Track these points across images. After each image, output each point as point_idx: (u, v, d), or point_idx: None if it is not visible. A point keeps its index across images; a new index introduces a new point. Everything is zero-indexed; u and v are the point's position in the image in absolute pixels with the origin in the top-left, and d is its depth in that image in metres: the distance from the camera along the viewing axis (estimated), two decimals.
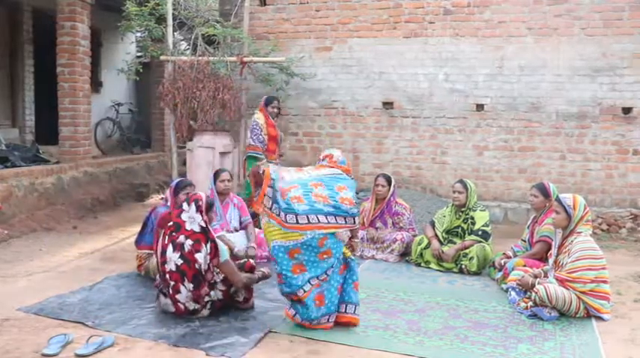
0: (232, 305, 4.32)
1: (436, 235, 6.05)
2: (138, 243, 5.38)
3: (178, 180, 5.60)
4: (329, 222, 3.92)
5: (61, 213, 7.58)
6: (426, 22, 8.53)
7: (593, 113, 8.05)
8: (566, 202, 4.64)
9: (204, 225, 4.19)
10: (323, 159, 4.39)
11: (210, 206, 4.35)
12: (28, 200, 7.16)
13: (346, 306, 4.09)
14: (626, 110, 7.94)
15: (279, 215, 3.91)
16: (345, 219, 3.98)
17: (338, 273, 4.05)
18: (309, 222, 3.88)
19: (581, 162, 8.11)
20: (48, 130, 9.42)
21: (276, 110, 7.43)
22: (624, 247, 6.98)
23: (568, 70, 8.09)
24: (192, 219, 4.19)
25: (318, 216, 3.90)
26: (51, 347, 3.49)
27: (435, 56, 8.54)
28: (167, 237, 4.25)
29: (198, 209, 4.22)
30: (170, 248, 4.17)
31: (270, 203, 3.96)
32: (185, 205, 4.25)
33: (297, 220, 3.87)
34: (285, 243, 3.90)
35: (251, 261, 4.57)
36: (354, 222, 4.05)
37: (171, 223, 4.32)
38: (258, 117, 7.27)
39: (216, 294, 4.22)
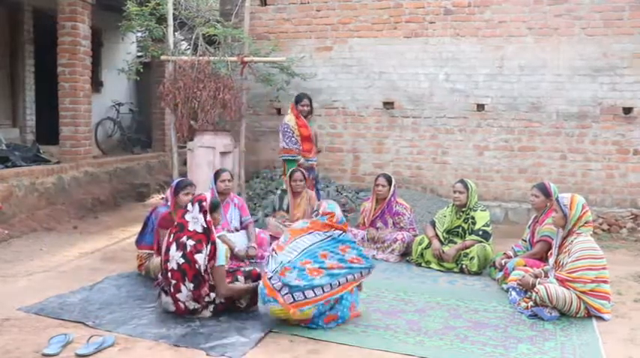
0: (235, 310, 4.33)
1: (437, 235, 6.05)
2: (138, 242, 5.39)
3: (179, 180, 5.60)
4: (331, 290, 3.99)
5: (61, 212, 7.58)
6: (426, 22, 8.53)
7: (593, 113, 8.05)
8: (563, 202, 4.65)
9: (206, 225, 4.20)
10: (322, 216, 4.27)
11: (215, 206, 4.35)
12: (28, 200, 7.16)
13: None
14: (627, 110, 7.94)
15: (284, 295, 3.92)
16: (361, 272, 4.19)
17: (350, 293, 4.15)
18: (305, 298, 3.91)
19: (581, 162, 8.11)
20: (48, 130, 9.43)
21: (306, 108, 7.34)
22: (625, 247, 6.98)
23: (568, 69, 8.08)
24: (195, 220, 4.20)
25: (315, 289, 3.93)
26: (51, 347, 3.49)
27: (436, 56, 8.54)
28: (172, 235, 4.26)
29: (202, 210, 4.23)
30: (174, 246, 4.18)
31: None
32: (190, 206, 4.27)
33: (304, 296, 3.91)
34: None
35: (257, 269, 4.55)
36: (369, 272, 4.26)
37: (176, 222, 4.34)
38: (289, 119, 7.22)
39: (219, 298, 4.23)
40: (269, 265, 4.07)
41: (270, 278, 3.95)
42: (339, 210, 4.36)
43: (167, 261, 4.18)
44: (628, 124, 7.96)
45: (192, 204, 4.26)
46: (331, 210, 4.29)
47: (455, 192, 6.01)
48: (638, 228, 7.58)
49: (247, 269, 4.54)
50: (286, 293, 3.89)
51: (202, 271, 4.10)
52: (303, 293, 3.88)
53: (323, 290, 3.93)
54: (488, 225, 5.92)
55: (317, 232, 4.17)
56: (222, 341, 3.74)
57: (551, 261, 4.76)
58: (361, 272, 4.18)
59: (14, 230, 6.64)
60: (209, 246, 4.16)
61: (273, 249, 4.17)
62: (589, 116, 8.06)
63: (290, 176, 6.67)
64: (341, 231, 4.24)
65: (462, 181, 6.07)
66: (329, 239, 4.16)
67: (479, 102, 8.42)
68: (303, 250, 4.05)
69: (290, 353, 3.62)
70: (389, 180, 6.46)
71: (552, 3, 8.06)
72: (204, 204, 4.26)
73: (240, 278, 4.37)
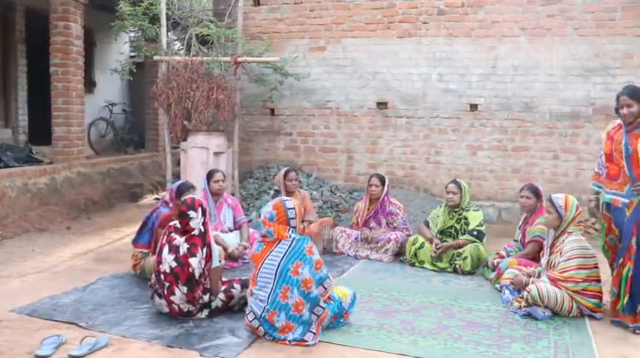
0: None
1: (432, 236, 6.03)
2: (136, 241, 5.35)
3: (180, 183, 5.55)
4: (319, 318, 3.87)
5: (54, 213, 7.55)
6: (419, 22, 8.54)
7: (586, 113, 8.07)
8: (558, 203, 4.66)
9: (203, 229, 4.20)
10: (266, 230, 3.97)
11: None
12: (21, 200, 7.13)
13: None
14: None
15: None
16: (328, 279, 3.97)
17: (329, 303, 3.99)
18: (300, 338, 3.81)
19: (574, 161, 8.14)
20: (41, 130, 9.39)
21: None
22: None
23: (561, 70, 8.11)
24: (198, 224, 4.20)
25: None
26: (44, 348, 3.48)
27: (429, 56, 8.55)
28: (165, 236, 4.25)
29: (203, 213, 4.26)
30: (166, 248, 4.17)
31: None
32: (192, 212, 4.24)
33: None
34: None
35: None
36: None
37: (172, 224, 4.33)
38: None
39: (217, 303, 4.22)
40: (252, 308, 3.87)
41: (258, 327, 3.81)
42: (268, 207, 4.06)
43: (160, 262, 4.18)
44: None
45: (195, 210, 4.24)
46: (264, 213, 4.03)
47: (448, 192, 6.01)
48: None
49: (244, 278, 4.51)
50: (282, 340, 3.79)
51: (197, 275, 4.08)
52: (295, 333, 3.80)
53: (313, 323, 3.82)
54: (481, 225, 5.93)
55: (275, 250, 3.88)
56: (216, 342, 3.74)
57: (543, 261, 4.78)
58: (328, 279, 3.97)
59: (7, 231, 6.61)
60: (205, 249, 4.15)
61: (250, 291, 4.00)
62: (582, 116, 8.09)
63: (285, 175, 6.64)
64: (293, 238, 3.91)
65: (454, 181, 6.08)
66: (291, 249, 3.85)
67: (472, 102, 8.44)
68: (275, 275, 3.80)
69: (283, 353, 3.62)
70: (382, 180, 6.47)
71: (545, 3, 8.09)
72: (204, 207, 4.30)
73: (237, 286, 4.35)
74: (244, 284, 4.32)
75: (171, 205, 5.33)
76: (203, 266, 4.12)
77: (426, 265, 5.93)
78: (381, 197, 6.43)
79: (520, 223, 5.67)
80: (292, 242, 3.88)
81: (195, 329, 3.95)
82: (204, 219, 4.25)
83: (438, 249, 5.84)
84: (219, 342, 3.74)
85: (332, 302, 3.98)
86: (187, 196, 4.47)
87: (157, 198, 9.61)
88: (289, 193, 6.59)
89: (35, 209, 7.35)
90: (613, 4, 7.87)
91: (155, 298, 4.24)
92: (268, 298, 3.80)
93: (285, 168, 6.84)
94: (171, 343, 3.71)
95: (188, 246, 4.12)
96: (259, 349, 3.69)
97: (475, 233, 5.86)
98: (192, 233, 4.18)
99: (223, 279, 4.43)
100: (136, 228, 5.53)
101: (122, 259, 5.82)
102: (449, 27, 8.44)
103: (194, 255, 4.09)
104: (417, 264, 6.00)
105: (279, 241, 3.89)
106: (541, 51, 8.15)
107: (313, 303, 3.83)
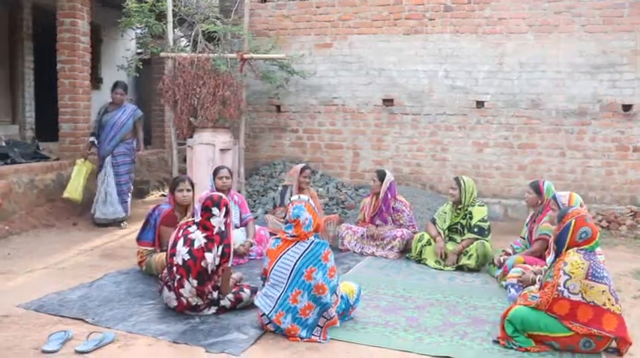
0: None
1: (439, 233, 6.01)
2: (139, 238, 5.35)
3: (174, 176, 5.58)
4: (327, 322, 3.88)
5: (60, 209, 7.57)
6: (426, 19, 8.52)
7: (593, 110, 8.05)
8: (561, 200, 4.65)
9: (224, 228, 4.20)
10: (288, 226, 3.98)
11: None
12: (27, 196, 7.15)
13: None
14: (626, 107, 7.94)
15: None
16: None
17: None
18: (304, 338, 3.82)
19: (581, 159, 8.11)
20: (48, 127, 9.41)
21: None
22: (624, 244, 6.98)
23: (568, 66, 8.08)
24: (219, 223, 4.20)
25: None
26: (51, 343, 3.50)
27: (435, 53, 8.53)
28: (181, 230, 4.25)
29: (226, 213, 4.26)
30: (181, 241, 4.17)
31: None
32: (215, 209, 4.23)
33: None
34: None
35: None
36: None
37: (191, 219, 4.33)
38: None
39: (225, 303, 4.23)
40: (262, 301, 3.89)
41: (267, 324, 3.85)
42: (305, 212, 3.95)
43: (173, 254, 4.18)
44: (627, 121, 7.95)
45: (219, 208, 4.24)
46: (295, 217, 3.95)
47: (449, 188, 6.05)
48: (638, 225, 7.59)
49: (253, 285, 4.50)
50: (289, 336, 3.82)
51: (210, 271, 4.09)
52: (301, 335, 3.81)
53: (319, 326, 3.83)
54: (484, 221, 5.88)
55: (292, 249, 3.89)
56: (222, 338, 3.74)
57: (549, 259, 4.75)
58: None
59: (13, 227, 6.63)
60: (222, 248, 4.14)
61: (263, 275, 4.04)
62: (589, 113, 8.06)
63: (301, 171, 6.67)
64: (312, 241, 3.93)
65: (455, 178, 6.09)
66: (308, 252, 3.87)
67: (478, 99, 8.42)
68: (289, 276, 3.81)
69: (289, 349, 3.62)
70: (380, 176, 6.44)
71: (552, 0, 8.05)
72: (228, 207, 4.29)
73: (247, 290, 4.35)
74: (254, 291, 4.32)
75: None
76: (217, 263, 4.12)
77: (431, 263, 5.91)
78: (381, 192, 6.40)
79: (527, 220, 5.65)
80: (310, 245, 3.90)
81: (201, 326, 3.96)
82: (227, 220, 4.24)
83: (442, 257, 5.84)
84: (225, 338, 3.74)
85: (340, 300, 4.00)
86: (214, 194, 4.42)
87: (163, 195, 9.64)
88: (301, 189, 6.61)
89: (42, 205, 7.37)
90: (621, 0, 7.83)
91: (164, 291, 4.25)
92: (278, 299, 3.81)
93: (302, 165, 6.90)
94: (177, 339, 3.72)
95: (206, 241, 4.13)
96: (265, 345, 3.69)
97: (476, 229, 5.83)
98: (213, 231, 4.18)
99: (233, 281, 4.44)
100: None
101: (128, 255, 5.84)
102: (455, 24, 8.42)
103: (210, 251, 4.10)
104: (422, 261, 5.98)
105: (297, 242, 3.92)
106: (548, 48, 8.12)
107: (323, 308, 3.84)
